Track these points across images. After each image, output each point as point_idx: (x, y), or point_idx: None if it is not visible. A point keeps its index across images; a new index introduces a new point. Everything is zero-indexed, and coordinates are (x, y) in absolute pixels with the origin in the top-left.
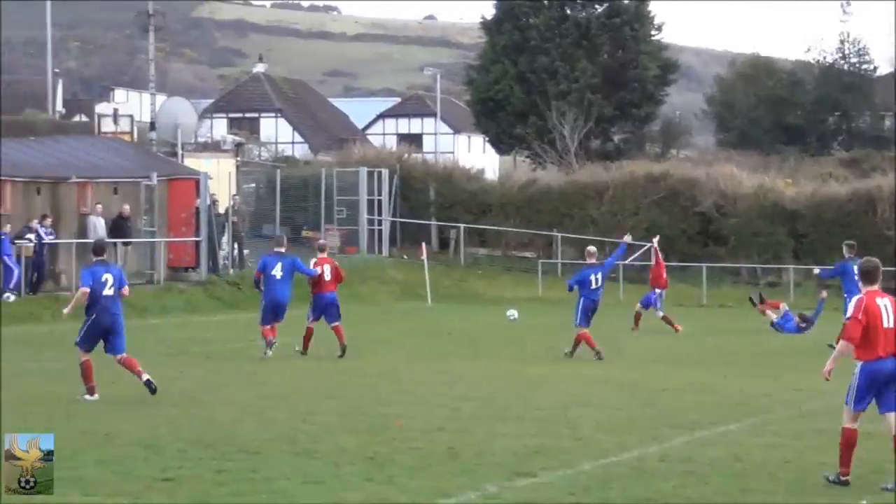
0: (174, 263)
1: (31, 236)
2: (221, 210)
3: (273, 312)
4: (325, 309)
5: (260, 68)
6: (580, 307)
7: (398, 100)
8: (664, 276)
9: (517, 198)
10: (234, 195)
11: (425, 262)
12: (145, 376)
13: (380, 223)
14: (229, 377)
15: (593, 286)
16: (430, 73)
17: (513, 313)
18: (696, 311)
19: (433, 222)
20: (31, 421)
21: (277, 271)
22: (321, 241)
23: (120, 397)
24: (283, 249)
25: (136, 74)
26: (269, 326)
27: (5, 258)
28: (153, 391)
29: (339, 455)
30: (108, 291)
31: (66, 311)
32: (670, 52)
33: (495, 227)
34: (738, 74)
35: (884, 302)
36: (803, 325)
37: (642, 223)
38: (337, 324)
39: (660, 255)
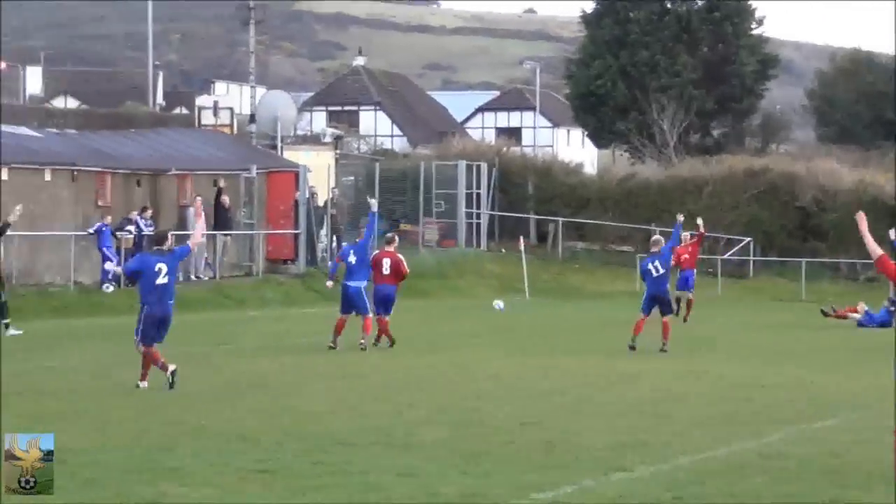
0: (273, 256)
1: (131, 228)
2: (320, 203)
3: None
4: (379, 301)
5: (360, 61)
6: (645, 296)
7: (497, 93)
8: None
9: (616, 192)
10: (333, 188)
11: (523, 255)
12: (172, 367)
13: (478, 216)
14: (325, 369)
15: (654, 275)
16: (529, 66)
17: (499, 303)
18: (795, 307)
19: (531, 216)
20: (117, 413)
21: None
22: (389, 234)
23: (211, 389)
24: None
25: (236, 67)
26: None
27: (104, 250)
28: (172, 386)
29: (433, 448)
30: (161, 280)
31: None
32: (770, 46)
33: (594, 221)
34: (839, 69)
35: None
36: (892, 308)
37: (742, 218)
38: (385, 317)
39: (699, 236)
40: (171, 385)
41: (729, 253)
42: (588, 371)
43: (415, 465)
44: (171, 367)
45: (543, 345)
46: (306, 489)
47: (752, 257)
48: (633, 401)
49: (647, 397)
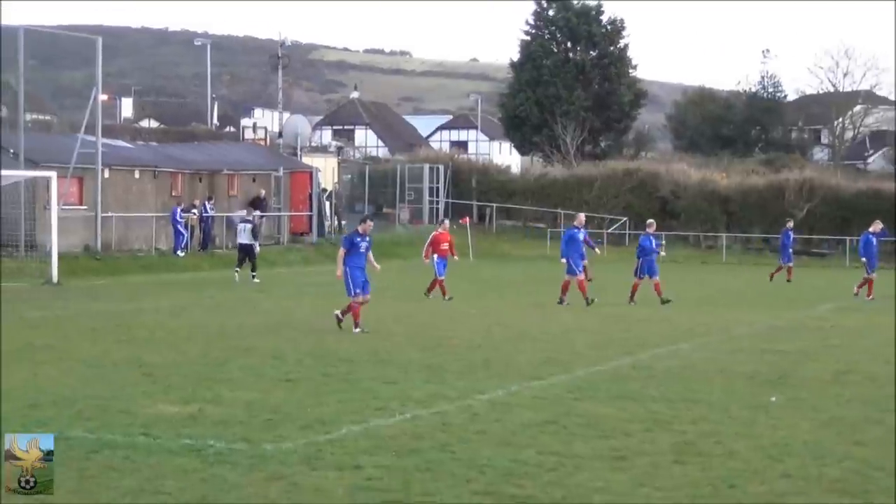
0: (294, 230)
1: (194, 210)
2: (327, 194)
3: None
4: (440, 266)
5: (355, 95)
6: (640, 265)
7: (451, 117)
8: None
9: (533, 185)
10: (336, 183)
11: (468, 229)
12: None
13: (437, 203)
14: (332, 309)
15: (649, 249)
16: (473, 98)
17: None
18: (663, 266)
19: (474, 202)
20: (188, 339)
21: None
22: (443, 219)
23: (254, 322)
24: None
25: (268, 98)
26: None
27: (177, 225)
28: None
29: (407, 364)
30: (362, 251)
31: (338, 273)
32: (642, 84)
33: (517, 206)
34: (689, 100)
35: None
36: None
37: (620, 204)
38: (442, 278)
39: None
40: (340, 323)
41: (611, 228)
42: (516, 311)
43: (395, 375)
44: (336, 312)
45: (486, 292)
46: (319, 393)
47: (627, 231)
48: (548, 332)
49: (557, 329)
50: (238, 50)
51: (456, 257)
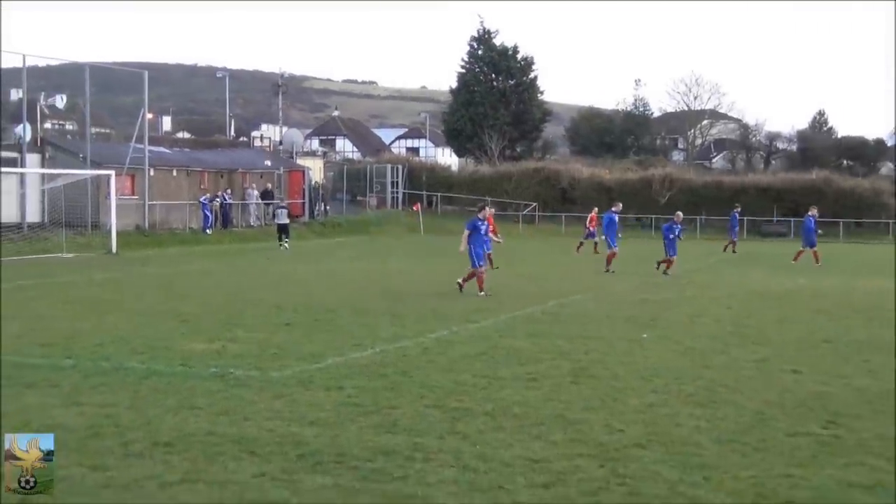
0: (291, 214)
1: (218, 200)
2: (316, 186)
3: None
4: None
5: (336, 113)
6: (666, 246)
7: (406, 129)
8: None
9: (467, 180)
10: (322, 179)
11: (420, 213)
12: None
13: (397, 193)
14: (322, 271)
15: (671, 236)
16: (423, 115)
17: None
18: (559, 239)
19: (424, 192)
20: (213, 295)
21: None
22: (488, 207)
23: (261, 282)
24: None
25: (272, 116)
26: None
27: (205, 210)
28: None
29: (376, 312)
30: (482, 232)
31: (461, 248)
32: (547, 105)
33: (456, 195)
34: (582, 116)
35: None
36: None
37: (531, 193)
38: (490, 252)
39: (594, 215)
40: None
41: (525, 211)
42: (457, 272)
43: (368, 321)
44: (458, 280)
45: (434, 258)
46: (310, 334)
47: (537, 213)
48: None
49: (490, 286)
50: (249, 80)
51: (499, 239)
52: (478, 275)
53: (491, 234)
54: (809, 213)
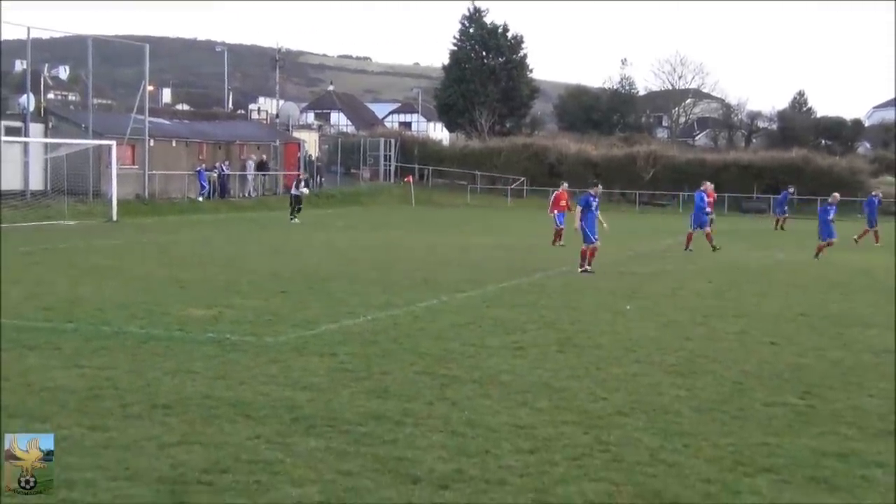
0: (287, 185)
1: (215, 170)
2: (311, 159)
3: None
4: (560, 218)
5: (331, 88)
6: (693, 218)
7: (400, 104)
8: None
9: (458, 154)
10: (317, 152)
11: (412, 185)
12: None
13: (390, 166)
14: (316, 241)
15: (701, 205)
16: (416, 91)
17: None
18: (544, 213)
19: (416, 165)
20: (212, 265)
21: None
22: (563, 183)
23: (259, 251)
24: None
25: (269, 90)
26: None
27: (202, 180)
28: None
29: (368, 281)
30: (593, 209)
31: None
32: (536, 82)
33: (447, 169)
34: (569, 94)
35: None
36: None
37: (520, 167)
38: (562, 227)
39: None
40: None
41: (513, 185)
42: (446, 244)
43: (361, 289)
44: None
45: (424, 230)
46: (305, 301)
47: (525, 188)
48: (469, 260)
49: (476, 258)
50: (247, 54)
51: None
52: (590, 250)
53: (564, 207)
54: (873, 193)
